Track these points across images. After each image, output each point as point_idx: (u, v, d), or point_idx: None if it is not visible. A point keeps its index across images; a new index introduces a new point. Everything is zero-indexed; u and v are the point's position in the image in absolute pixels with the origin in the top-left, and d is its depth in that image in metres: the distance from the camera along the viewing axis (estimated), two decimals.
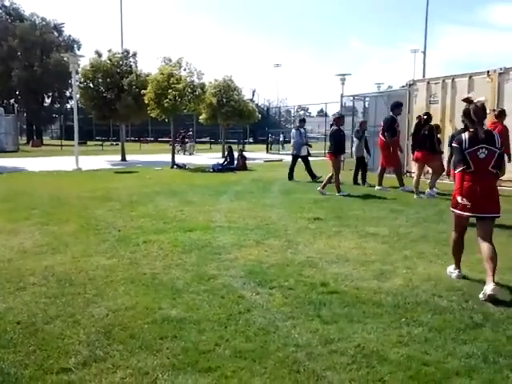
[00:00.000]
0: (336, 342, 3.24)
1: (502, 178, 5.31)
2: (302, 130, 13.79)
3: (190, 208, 8.54)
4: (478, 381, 2.80)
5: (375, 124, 14.87)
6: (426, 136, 9.87)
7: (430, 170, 10.70)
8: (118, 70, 22.44)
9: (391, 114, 11.45)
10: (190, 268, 4.90)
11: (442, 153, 10.51)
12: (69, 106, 56.84)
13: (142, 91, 18.79)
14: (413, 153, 10.55)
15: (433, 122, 10.33)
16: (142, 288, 4.34)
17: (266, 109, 50.05)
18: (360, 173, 12.51)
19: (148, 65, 73.84)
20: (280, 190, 11.45)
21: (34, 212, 8.11)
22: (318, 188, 10.55)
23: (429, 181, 10.36)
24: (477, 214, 4.28)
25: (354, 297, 4.06)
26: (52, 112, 57.14)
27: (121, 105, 21.42)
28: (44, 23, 55.17)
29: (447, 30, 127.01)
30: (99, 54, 22.83)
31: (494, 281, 4.00)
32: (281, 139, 36.03)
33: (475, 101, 4.30)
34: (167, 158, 20.82)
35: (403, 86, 15.68)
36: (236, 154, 18.35)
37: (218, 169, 17.32)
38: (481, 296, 3.98)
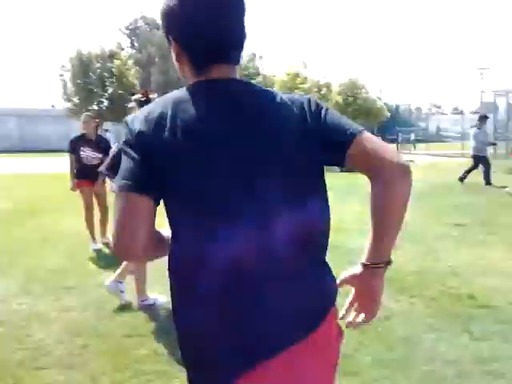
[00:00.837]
0: (490, 363, 2.96)
1: None
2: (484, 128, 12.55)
3: None
4: None
5: None
6: None
7: None
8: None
9: None
10: None
11: None
12: None
13: None
14: None
15: None
16: None
17: (394, 106, 48.09)
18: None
19: (274, 66, 75.51)
20: (419, 191, 10.90)
21: None
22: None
23: None
24: None
25: (509, 313, 3.68)
26: None
27: None
28: None
29: None
30: None
31: None
32: (411, 138, 34.17)
33: None
34: None
35: None
36: None
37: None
38: None
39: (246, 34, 1.11)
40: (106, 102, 21.94)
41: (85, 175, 5.74)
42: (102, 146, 5.82)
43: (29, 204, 8.69)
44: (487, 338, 3.28)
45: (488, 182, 11.13)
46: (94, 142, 5.82)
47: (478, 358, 3.02)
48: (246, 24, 1.10)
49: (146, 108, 1.11)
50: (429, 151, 26.97)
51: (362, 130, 1.08)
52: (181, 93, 1.12)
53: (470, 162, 11.80)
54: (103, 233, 5.95)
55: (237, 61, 1.13)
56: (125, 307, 3.80)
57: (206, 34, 1.06)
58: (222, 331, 1.02)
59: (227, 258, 1.00)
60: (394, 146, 34.65)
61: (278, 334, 1.03)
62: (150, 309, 3.74)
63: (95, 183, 5.71)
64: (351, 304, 1.21)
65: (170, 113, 1.05)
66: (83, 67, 21.06)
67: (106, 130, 25.04)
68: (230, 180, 1.02)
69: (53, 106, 33.83)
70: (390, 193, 1.04)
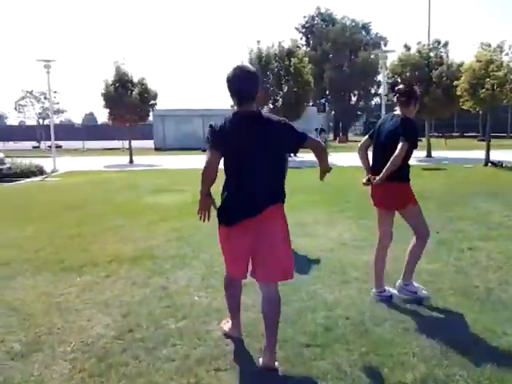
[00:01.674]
0: None
1: None
2: None
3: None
4: None
5: None
6: None
7: None
8: (427, 62, 21.58)
9: None
10: None
11: None
12: (373, 103, 58.72)
13: (455, 82, 17.49)
14: None
15: None
16: (476, 303, 3.73)
17: None
18: None
19: (460, 54, 69.56)
20: None
21: (347, 205, 8.35)
22: None
23: None
24: None
25: None
26: (357, 109, 60.08)
27: (428, 98, 20.52)
28: (353, 24, 58.42)
29: None
30: (408, 48, 22.45)
31: None
32: None
33: None
34: (477, 154, 18.91)
35: None
36: None
37: None
38: None
39: (257, 89, 2.70)
40: (280, 101, 22.48)
41: None
42: None
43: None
44: None
45: None
46: None
47: None
48: (258, 85, 2.73)
49: (220, 120, 2.68)
50: None
51: (307, 134, 2.75)
52: (231, 115, 2.69)
53: None
54: None
55: (253, 103, 2.69)
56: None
57: (239, 92, 2.68)
58: (243, 200, 2.70)
59: (242, 172, 2.68)
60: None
61: (258, 205, 2.66)
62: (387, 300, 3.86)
63: None
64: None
65: (226, 123, 2.67)
66: (262, 67, 21.90)
67: None
68: (240, 150, 2.65)
69: (232, 107, 36.16)
70: (321, 154, 2.89)
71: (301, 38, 58.48)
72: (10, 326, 3.47)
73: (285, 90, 22.18)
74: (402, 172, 3.78)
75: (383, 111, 18.74)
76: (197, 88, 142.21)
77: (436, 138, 40.73)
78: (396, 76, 22.35)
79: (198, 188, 2.80)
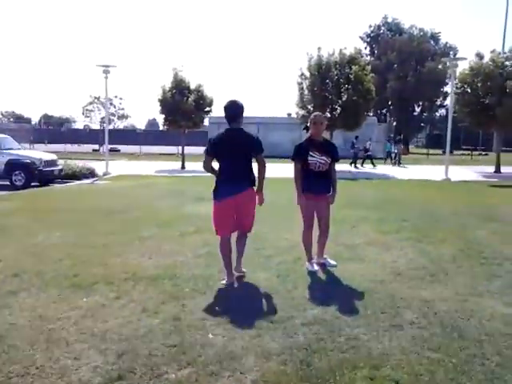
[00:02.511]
0: None
1: None
2: None
3: None
4: None
5: None
6: None
7: None
8: (501, 71, 19.92)
9: None
10: None
11: None
12: (438, 114, 56.14)
13: None
14: None
15: None
16: None
17: None
18: None
19: None
20: None
21: (404, 224, 7.38)
22: None
23: None
24: None
25: None
26: (420, 121, 57.68)
27: (502, 110, 18.90)
28: (421, 34, 56.26)
29: None
30: (480, 57, 20.88)
31: None
32: None
33: None
34: None
35: None
36: None
37: None
38: None
39: (242, 113, 4.56)
40: (339, 110, 21.54)
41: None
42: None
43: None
44: None
45: None
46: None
47: None
48: (243, 111, 4.58)
49: (218, 133, 4.58)
50: None
51: (262, 150, 4.51)
52: (225, 130, 4.48)
53: None
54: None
55: (240, 121, 4.51)
56: None
57: (229, 115, 4.49)
58: (228, 184, 4.39)
59: (228, 166, 4.45)
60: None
61: (241, 186, 4.41)
62: None
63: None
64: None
65: (221, 135, 4.51)
66: (321, 74, 21.08)
67: (357, 137, 24.94)
68: (227, 152, 4.41)
69: (289, 115, 35.50)
70: (260, 169, 4.46)
71: (365, 48, 57.16)
72: None
73: (344, 99, 21.23)
74: None
75: (450, 122, 17.34)
76: (254, 95, 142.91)
77: (506, 153, 38.02)
78: (466, 86, 20.86)
79: None
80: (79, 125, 78.32)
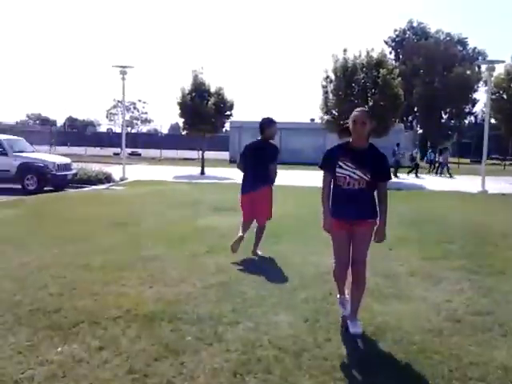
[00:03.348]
0: None
1: None
2: None
3: None
4: None
5: None
6: None
7: None
8: None
9: None
10: None
11: None
12: (466, 121, 54.34)
13: None
14: None
15: None
16: None
17: None
18: None
19: None
20: None
21: (450, 248, 6.36)
22: None
23: None
24: None
25: None
26: (447, 128, 55.90)
27: None
28: (448, 38, 54.64)
29: None
30: None
31: None
32: None
33: None
34: None
35: None
36: None
37: None
38: None
39: (268, 130, 5.72)
40: None
41: None
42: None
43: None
44: None
45: None
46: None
47: None
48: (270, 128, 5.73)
49: (251, 142, 5.80)
50: None
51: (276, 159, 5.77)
52: (257, 140, 5.72)
53: None
54: None
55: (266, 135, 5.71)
56: None
57: (261, 130, 5.67)
58: (251, 182, 5.69)
59: (253, 172, 5.70)
60: None
61: (259, 185, 5.64)
62: None
63: None
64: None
65: (253, 144, 5.76)
66: (347, 77, 20.08)
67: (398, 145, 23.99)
68: (255, 160, 5.67)
69: (312, 120, 34.52)
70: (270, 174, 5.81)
71: (390, 52, 55.71)
72: None
73: (371, 103, 20.17)
74: None
75: (486, 130, 16.14)
76: (275, 99, 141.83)
77: None
78: (501, 91, 19.64)
79: None
80: (103, 128, 78.80)
